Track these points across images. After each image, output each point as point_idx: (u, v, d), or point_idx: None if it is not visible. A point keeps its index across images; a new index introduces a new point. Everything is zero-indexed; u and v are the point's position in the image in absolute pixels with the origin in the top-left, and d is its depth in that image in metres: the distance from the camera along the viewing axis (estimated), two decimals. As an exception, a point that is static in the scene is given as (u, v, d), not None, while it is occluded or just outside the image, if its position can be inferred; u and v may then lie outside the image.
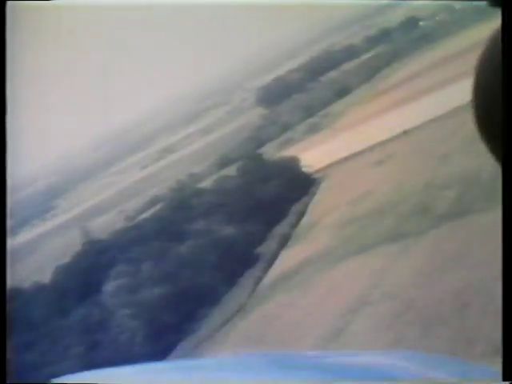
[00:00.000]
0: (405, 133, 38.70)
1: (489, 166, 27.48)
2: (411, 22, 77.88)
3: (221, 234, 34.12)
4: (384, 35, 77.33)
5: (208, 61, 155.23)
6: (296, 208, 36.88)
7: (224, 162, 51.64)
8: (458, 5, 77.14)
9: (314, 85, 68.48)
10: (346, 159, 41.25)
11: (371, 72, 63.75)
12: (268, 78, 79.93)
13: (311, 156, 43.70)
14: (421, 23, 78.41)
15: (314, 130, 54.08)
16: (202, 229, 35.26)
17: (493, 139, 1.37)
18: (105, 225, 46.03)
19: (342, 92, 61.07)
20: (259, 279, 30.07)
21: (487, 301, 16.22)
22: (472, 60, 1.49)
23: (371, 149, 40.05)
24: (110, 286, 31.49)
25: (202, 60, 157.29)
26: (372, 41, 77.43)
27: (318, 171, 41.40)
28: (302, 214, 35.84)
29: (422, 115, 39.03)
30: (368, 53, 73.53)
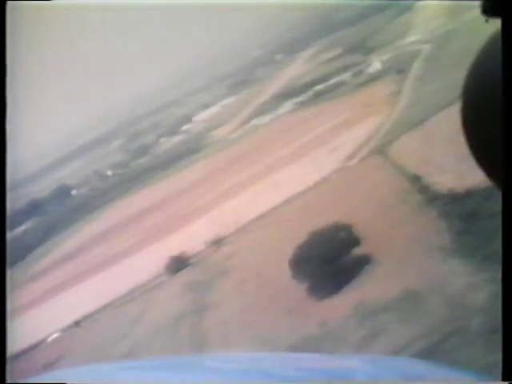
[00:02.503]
0: (76, 324, 32.48)
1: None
2: (63, 191, 73.59)
3: None
4: (34, 208, 70.89)
5: None
6: None
7: None
8: (110, 172, 75.50)
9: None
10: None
11: (23, 252, 54.11)
12: None
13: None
14: (73, 192, 74.65)
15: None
16: None
17: (480, 149, 1.40)
18: None
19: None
20: None
21: None
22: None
23: (37, 348, 32.88)
24: None
25: None
26: (22, 214, 69.49)
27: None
28: None
29: (95, 300, 33.58)
30: (18, 228, 65.95)
